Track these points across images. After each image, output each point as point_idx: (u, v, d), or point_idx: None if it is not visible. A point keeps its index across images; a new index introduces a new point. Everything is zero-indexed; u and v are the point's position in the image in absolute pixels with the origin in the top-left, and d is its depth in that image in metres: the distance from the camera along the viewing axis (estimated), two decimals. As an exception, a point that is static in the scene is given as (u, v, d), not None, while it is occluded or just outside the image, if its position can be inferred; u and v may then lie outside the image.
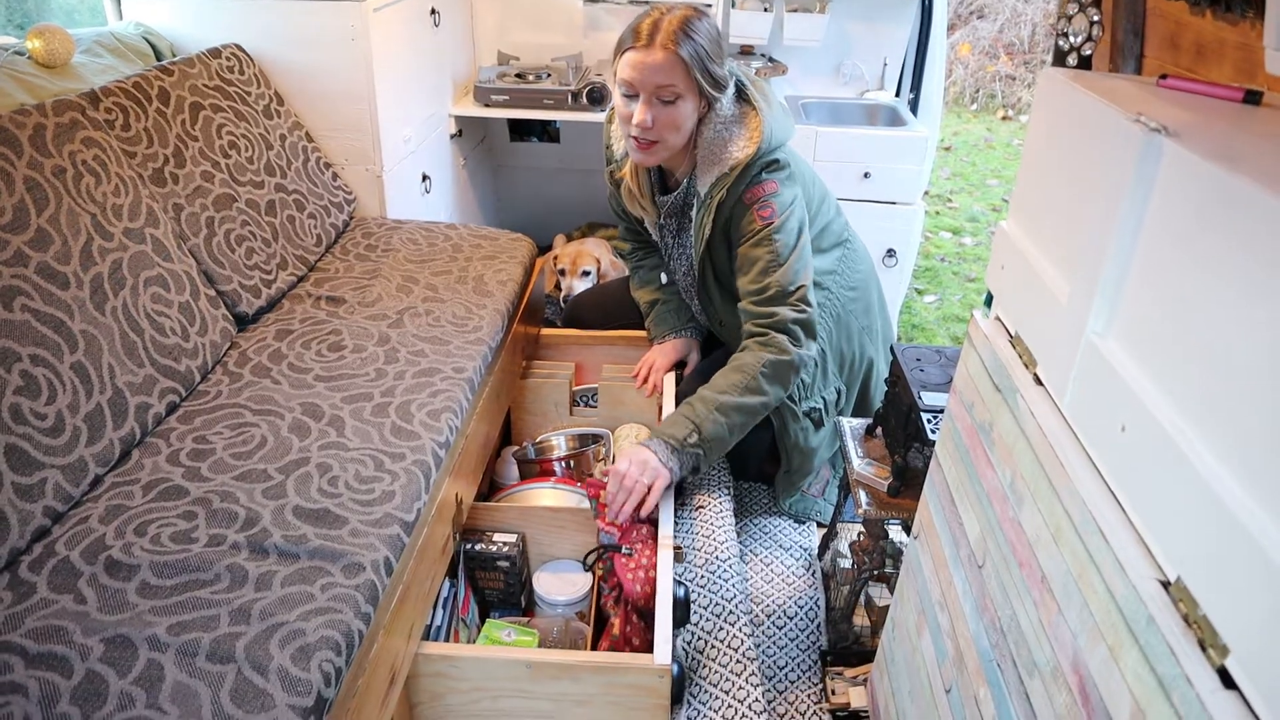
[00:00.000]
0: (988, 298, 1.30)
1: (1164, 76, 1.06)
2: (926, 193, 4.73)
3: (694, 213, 1.91)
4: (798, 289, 1.84)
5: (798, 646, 1.90)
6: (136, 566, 1.10)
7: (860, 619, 1.87)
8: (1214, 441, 0.71)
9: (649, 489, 1.66)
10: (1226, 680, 0.67)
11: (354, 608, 1.09)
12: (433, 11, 2.65)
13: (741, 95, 1.85)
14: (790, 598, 2.01)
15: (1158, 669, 0.74)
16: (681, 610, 1.57)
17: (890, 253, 2.92)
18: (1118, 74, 1.22)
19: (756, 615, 1.96)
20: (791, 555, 2.14)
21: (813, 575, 2.08)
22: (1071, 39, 1.16)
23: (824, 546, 2.13)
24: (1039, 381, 1.07)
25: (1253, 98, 0.99)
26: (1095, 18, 1.15)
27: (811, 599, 2.01)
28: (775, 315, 1.83)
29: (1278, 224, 0.65)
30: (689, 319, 2.18)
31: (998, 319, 1.24)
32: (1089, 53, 1.17)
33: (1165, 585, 0.77)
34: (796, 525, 2.21)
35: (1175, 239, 0.80)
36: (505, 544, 1.74)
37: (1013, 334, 1.17)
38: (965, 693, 1.17)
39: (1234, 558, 0.66)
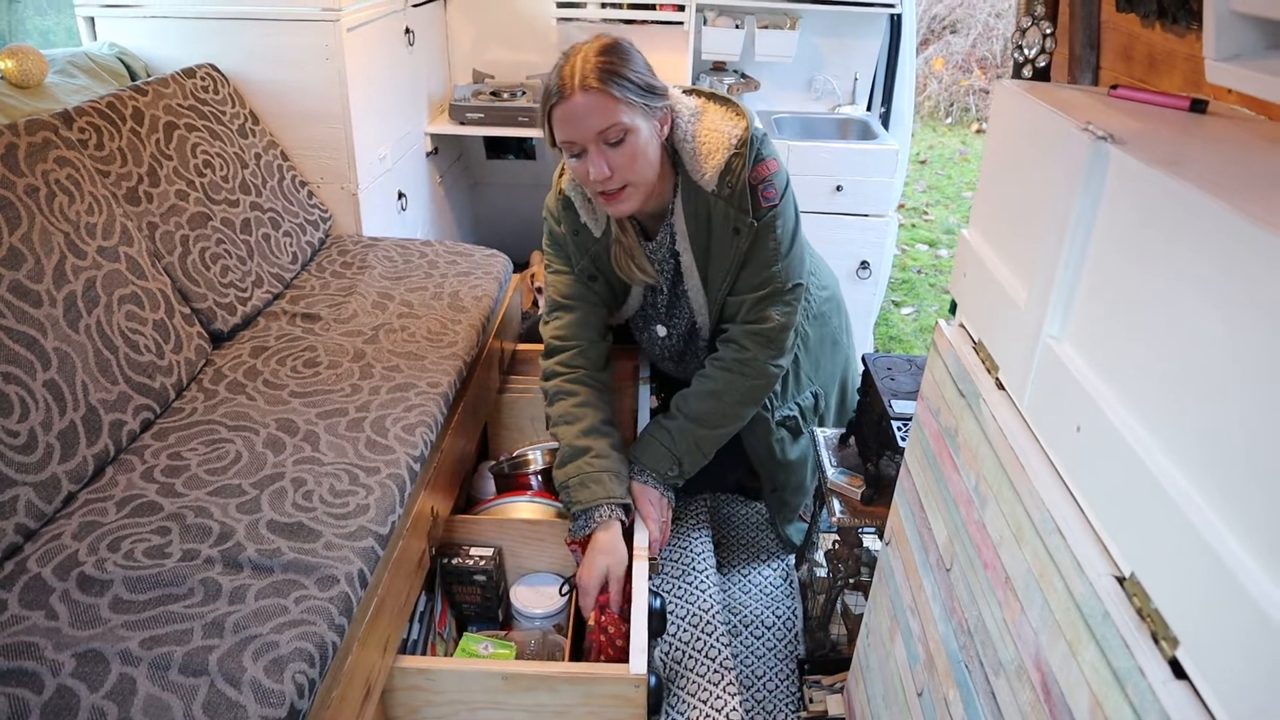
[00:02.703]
0: (952, 305, 1.33)
1: (1115, 87, 1.09)
2: (902, 206, 4.79)
3: (682, 242, 1.72)
4: (794, 286, 1.76)
5: (775, 656, 1.91)
6: (109, 582, 1.10)
7: (837, 627, 1.88)
8: (1163, 439, 0.73)
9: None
10: (1178, 671, 0.69)
11: (328, 620, 1.09)
12: (407, 31, 2.67)
13: (689, 92, 1.74)
14: (768, 607, 2.02)
15: (1113, 662, 0.75)
16: (658, 620, 1.58)
17: (864, 265, 2.95)
18: (1071, 84, 1.26)
19: (734, 625, 1.97)
20: (769, 566, 2.16)
21: (790, 585, 2.10)
22: (1026, 51, 1.20)
23: (801, 556, 2.14)
24: (1000, 386, 1.09)
25: (1198, 106, 1.02)
26: (1048, 30, 1.18)
27: (789, 609, 2.02)
28: (766, 322, 1.74)
29: (1218, 226, 0.67)
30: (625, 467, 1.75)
31: (961, 326, 1.26)
32: (1043, 64, 1.21)
33: (1120, 581, 0.79)
34: (773, 534, 2.22)
35: (1123, 243, 0.82)
36: (482, 558, 1.74)
37: (976, 340, 1.20)
38: (936, 695, 1.18)
39: (1183, 552, 0.68)
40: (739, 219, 1.66)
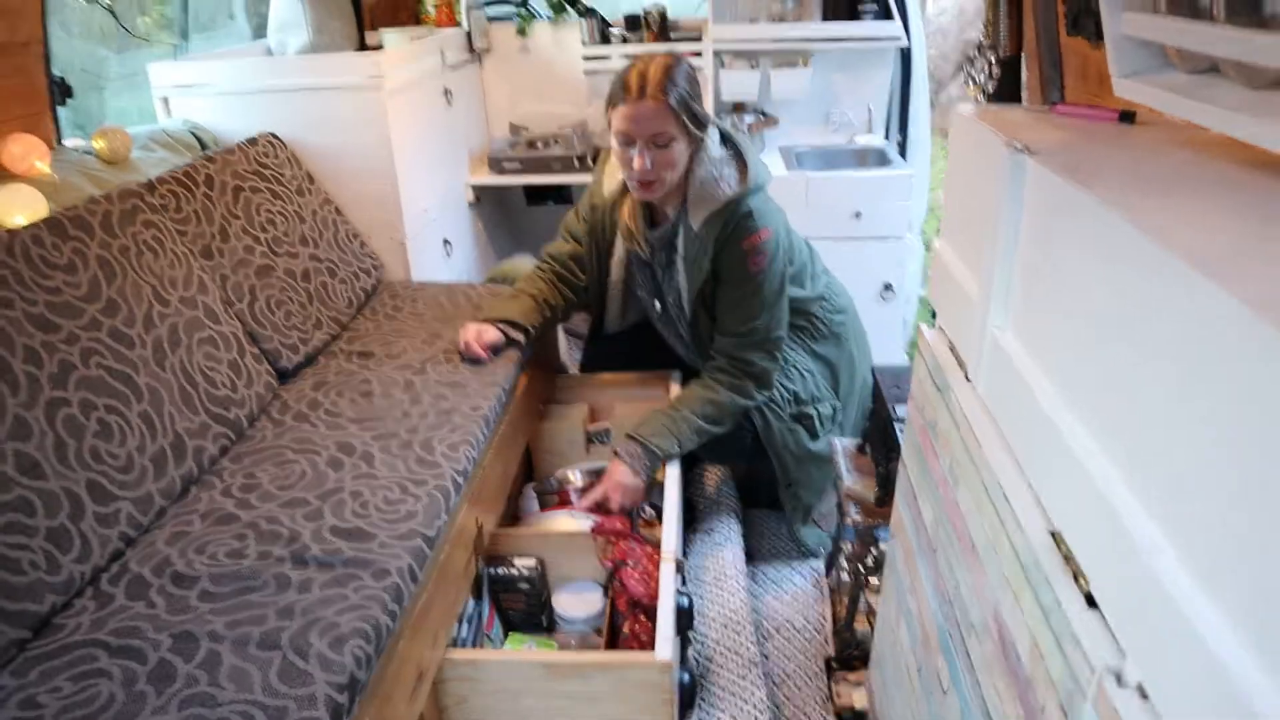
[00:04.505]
0: (933, 312, 1.46)
1: (1055, 104, 1.23)
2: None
3: (680, 243, 2.03)
4: (775, 337, 2.05)
5: (805, 655, 2.02)
6: (197, 577, 1.28)
7: (861, 626, 1.99)
8: (1080, 414, 0.85)
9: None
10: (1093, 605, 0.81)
11: (382, 605, 1.26)
12: (446, 91, 2.90)
13: (725, 140, 2.02)
14: (799, 612, 2.13)
15: (1043, 600, 0.88)
16: (685, 619, 1.71)
17: (888, 286, 3.07)
18: (1019, 105, 1.39)
19: (767, 629, 2.08)
20: (800, 574, 2.27)
21: (820, 591, 2.21)
22: (977, 77, 1.34)
23: (830, 563, 2.25)
24: (969, 379, 1.22)
25: (1126, 118, 1.15)
26: (992, 59, 1.32)
27: (819, 612, 2.13)
28: (752, 364, 2.05)
29: (1100, 222, 0.80)
30: (526, 315, 2.20)
31: (941, 329, 1.39)
32: (991, 89, 1.35)
33: (1053, 535, 0.91)
34: (791, 538, 2.34)
35: (1039, 239, 0.96)
36: (526, 567, 1.89)
37: (950, 341, 1.33)
38: (929, 668, 1.29)
39: (1092, 508, 0.79)
40: (702, 259, 2.00)
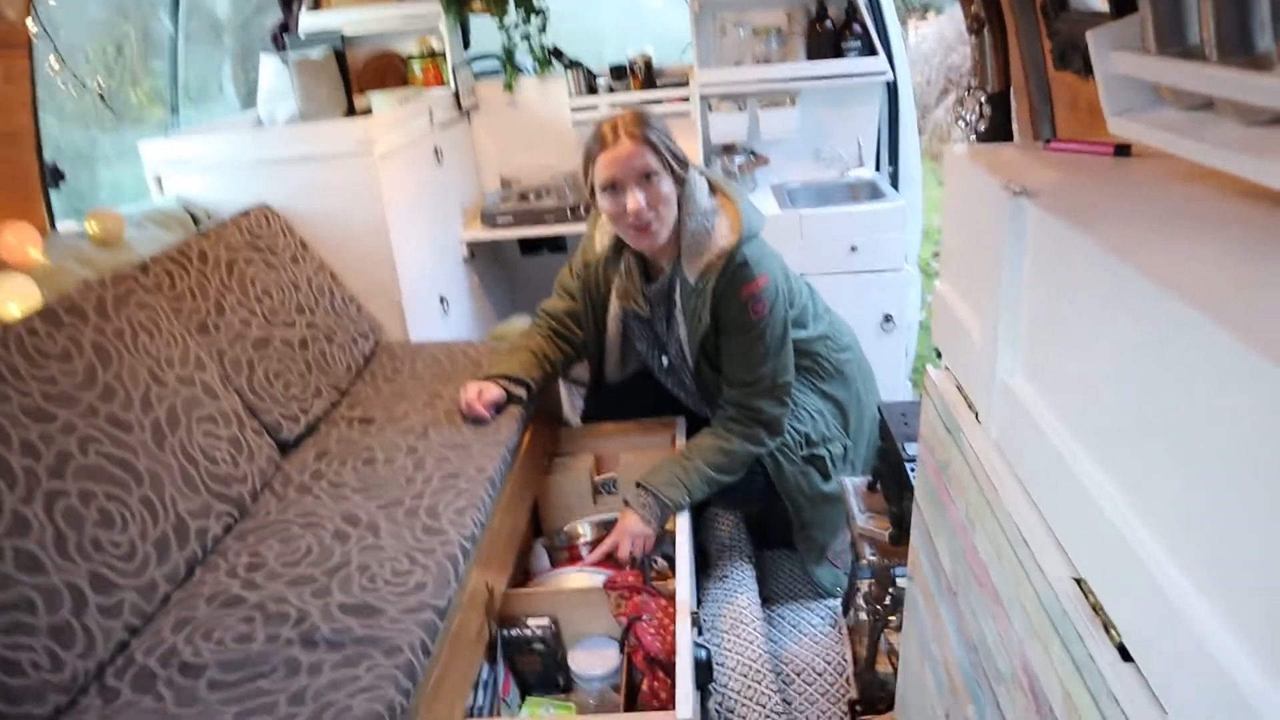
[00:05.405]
0: (938, 351, 1.45)
1: (1048, 140, 1.22)
2: (936, 254, 4.87)
3: (678, 296, 2.04)
4: (783, 383, 2.05)
5: (828, 700, 1.98)
6: (205, 666, 1.26)
7: (883, 667, 1.95)
8: (1098, 459, 0.83)
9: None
10: (1126, 657, 0.78)
11: (395, 684, 1.23)
12: (436, 150, 2.92)
13: (714, 190, 2.04)
14: (818, 655, 2.10)
15: (1073, 652, 0.85)
16: (704, 672, 1.68)
17: (888, 318, 3.06)
18: (1010, 144, 1.38)
19: (786, 674, 2.04)
20: (817, 615, 2.23)
21: (839, 632, 2.17)
22: (967, 118, 1.34)
23: (847, 603, 2.22)
24: (979, 421, 1.20)
25: (1122, 151, 1.14)
26: (981, 99, 1.32)
27: (839, 654, 2.10)
28: (762, 412, 2.05)
29: (1100, 266, 0.79)
30: (527, 369, 2.21)
31: (947, 369, 1.38)
32: (983, 129, 1.35)
33: (1078, 582, 0.89)
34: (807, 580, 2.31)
35: (1045, 283, 0.95)
36: (539, 627, 1.86)
37: (959, 383, 1.31)
38: (955, 714, 1.26)
39: (1117, 556, 0.78)
40: (701, 311, 2.01)
